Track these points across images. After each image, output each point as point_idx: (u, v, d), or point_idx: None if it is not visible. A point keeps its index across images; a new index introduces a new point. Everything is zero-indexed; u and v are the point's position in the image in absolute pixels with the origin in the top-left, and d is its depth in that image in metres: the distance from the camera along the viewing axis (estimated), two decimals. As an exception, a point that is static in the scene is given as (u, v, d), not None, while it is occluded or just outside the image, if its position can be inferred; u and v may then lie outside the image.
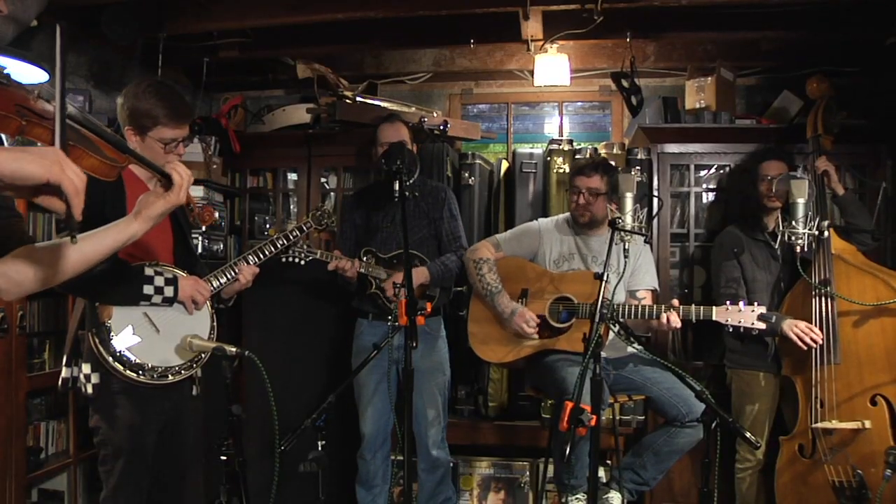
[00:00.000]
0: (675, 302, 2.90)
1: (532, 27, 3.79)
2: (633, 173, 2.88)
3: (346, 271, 3.26)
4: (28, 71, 2.85)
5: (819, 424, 2.99)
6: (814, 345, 3.00)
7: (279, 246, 2.98)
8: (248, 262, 2.79)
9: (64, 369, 2.40)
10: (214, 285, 2.65)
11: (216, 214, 3.87)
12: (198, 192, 3.79)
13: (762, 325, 2.79)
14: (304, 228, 3.14)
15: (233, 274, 2.74)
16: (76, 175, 1.22)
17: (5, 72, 1.35)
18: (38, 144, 1.32)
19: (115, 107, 2.51)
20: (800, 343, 3.01)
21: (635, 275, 3.24)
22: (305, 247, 3.22)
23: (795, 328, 3.02)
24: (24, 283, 1.46)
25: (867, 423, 2.92)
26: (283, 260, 3.17)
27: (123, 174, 2.33)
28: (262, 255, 2.88)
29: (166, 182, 1.77)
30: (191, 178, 1.83)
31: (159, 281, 2.38)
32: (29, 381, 3.13)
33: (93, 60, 3.92)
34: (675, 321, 2.85)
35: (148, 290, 2.35)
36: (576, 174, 3.27)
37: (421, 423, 3.41)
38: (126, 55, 4.03)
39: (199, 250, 3.76)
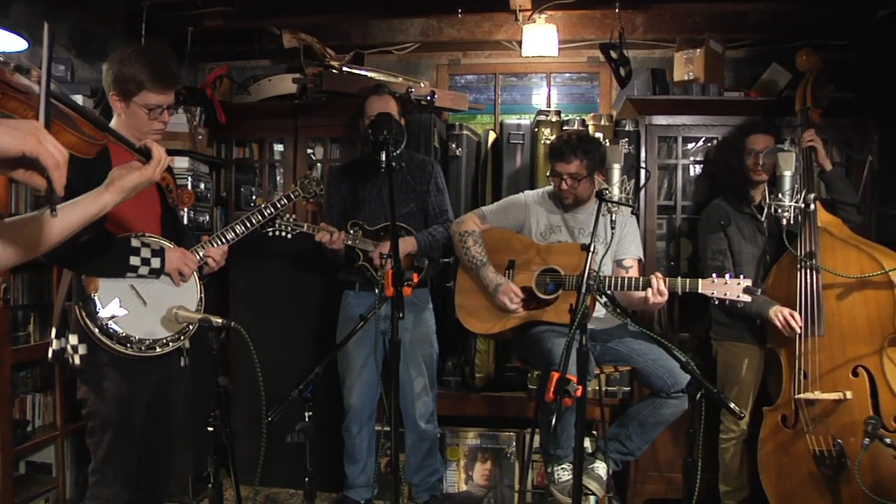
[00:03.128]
0: (660, 275, 2.90)
1: (521, -4, 3.76)
2: (620, 145, 2.87)
3: (333, 243, 3.26)
4: (6, 39, 2.80)
5: (802, 395, 3.03)
6: (793, 333, 3.04)
7: (266, 215, 2.96)
8: (224, 240, 2.77)
9: (54, 341, 2.39)
10: (201, 254, 2.64)
11: (198, 191, 3.86)
12: (183, 163, 3.75)
13: (748, 298, 2.80)
14: (292, 197, 3.12)
15: (220, 242, 2.74)
16: (55, 148, 1.16)
17: None
18: (14, 118, 1.29)
19: (98, 76, 2.48)
20: (781, 328, 3.06)
21: (621, 244, 3.25)
22: (292, 220, 3.22)
23: (780, 314, 3.06)
24: None
25: (848, 394, 2.95)
26: (270, 234, 3.17)
27: (111, 150, 2.31)
28: (249, 224, 2.87)
29: (144, 159, 1.75)
30: (168, 160, 1.81)
31: (146, 252, 2.36)
32: (14, 353, 3.12)
33: (74, 29, 3.85)
34: (662, 287, 2.84)
35: (134, 261, 2.34)
36: (555, 159, 3.19)
37: (408, 396, 3.43)
38: (108, 24, 3.96)
39: (185, 221, 3.74)
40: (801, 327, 3.03)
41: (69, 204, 1.55)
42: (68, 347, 2.34)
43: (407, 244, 3.31)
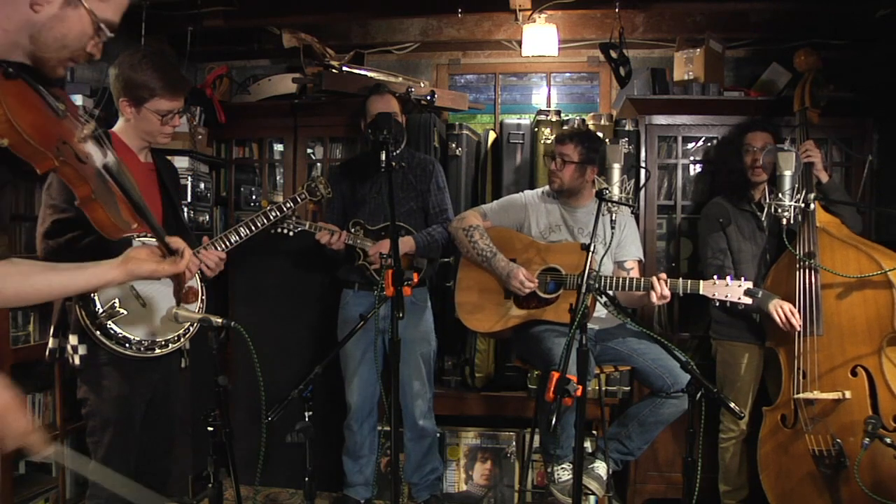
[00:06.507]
0: (663, 275, 2.90)
1: (520, -4, 3.76)
2: (620, 144, 2.87)
3: (334, 243, 3.27)
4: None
5: (801, 395, 3.03)
6: (791, 330, 3.04)
7: (272, 218, 2.97)
8: (227, 243, 2.77)
9: (51, 340, 2.39)
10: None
11: (198, 190, 3.86)
12: (183, 163, 3.75)
13: (748, 300, 2.80)
14: (299, 200, 3.13)
15: (224, 245, 2.74)
16: (19, 422, 1.11)
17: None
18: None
19: (98, 76, 2.47)
20: (779, 323, 3.05)
21: (622, 246, 3.26)
22: (294, 218, 3.23)
23: (780, 308, 3.05)
24: None
25: (847, 394, 2.95)
26: (272, 231, 3.17)
27: (114, 141, 2.32)
28: (254, 227, 2.88)
29: (168, 252, 1.69)
30: (195, 268, 1.73)
31: None
32: (14, 353, 3.12)
33: (74, 28, 3.84)
34: (665, 292, 2.85)
35: None
36: (556, 141, 3.34)
37: (407, 394, 3.44)
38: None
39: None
40: (800, 325, 3.03)
41: (74, 269, 1.52)
42: (68, 347, 2.35)
43: (405, 244, 3.31)
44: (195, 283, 2.56)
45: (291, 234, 3.24)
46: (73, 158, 1.31)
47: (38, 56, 1.29)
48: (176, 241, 1.68)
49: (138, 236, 2.37)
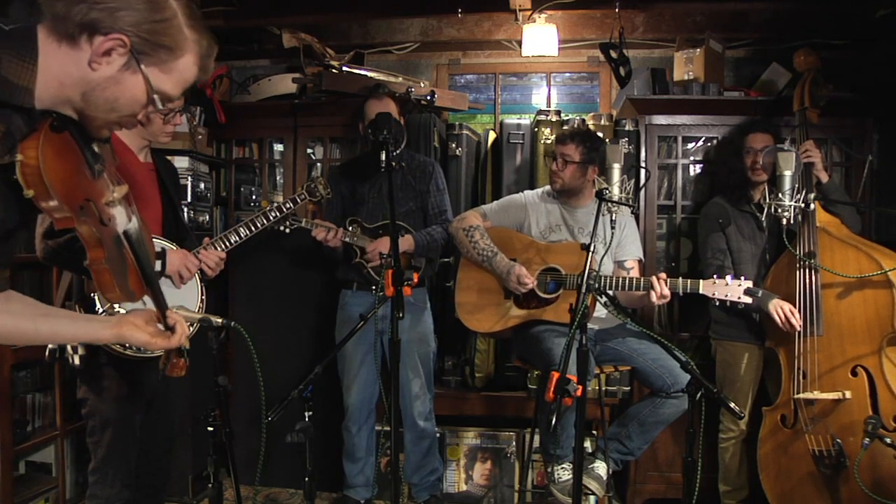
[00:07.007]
0: (663, 275, 2.90)
1: (520, -4, 3.76)
2: (620, 144, 2.87)
3: (329, 241, 3.27)
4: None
5: (801, 395, 3.03)
6: (791, 330, 3.04)
7: (272, 218, 2.97)
8: (227, 243, 2.78)
9: (50, 340, 2.39)
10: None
11: (198, 190, 3.86)
12: (183, 163, 3.75)
13: (748, 300, 2.80)
14: (298, 200, 3.14)
15: (223, 246, 2.74)
16: None
17: None
18: None
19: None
20: (779, 323, 3.05)
21: (622, 245, 3.26)
22: (291, 216, 3.23)
23: (780, 308, 3.05)
24: None
25: (847, 394, 2.96)
26: (269, 228, 3.17)
27: (113, 141, 2.32)
28: (254, 228, 2.88)
29: (166, 327, 1.63)
30: (183, 344, 1.69)
31: None
32: (14, 353, 3.12)
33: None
34: (665, 291, 2.85)
35: None
36: (557, 141, 3.34)
37: (406, 395, 3.44)
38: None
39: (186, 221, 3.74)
40: (800, 325, 3.03)
41: (65, 319, 1.50)
42: (68, 347, 2.35)
43: (404, 243, 3.31)
44: (195, 281, 2.56)
45: (288, 231, 3.24)
46: (95, 220, 1.29)
47: (86, 114, 1.28)
48: (172, 316, 1.63)
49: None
